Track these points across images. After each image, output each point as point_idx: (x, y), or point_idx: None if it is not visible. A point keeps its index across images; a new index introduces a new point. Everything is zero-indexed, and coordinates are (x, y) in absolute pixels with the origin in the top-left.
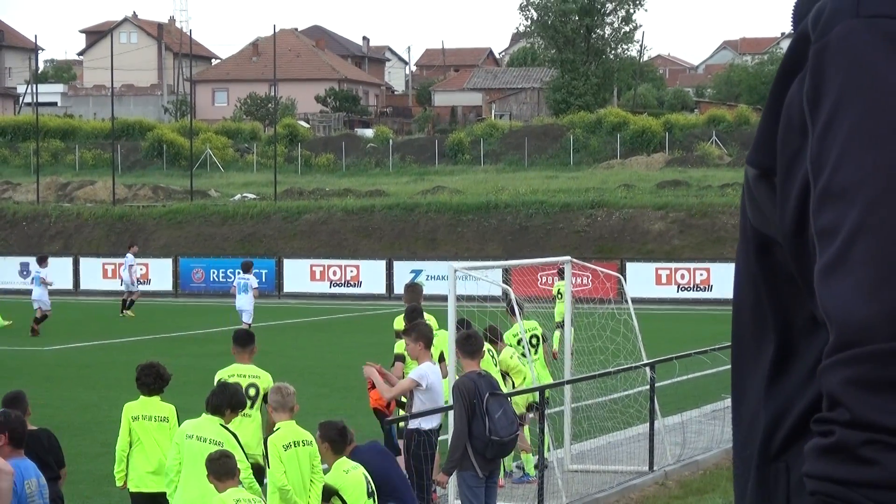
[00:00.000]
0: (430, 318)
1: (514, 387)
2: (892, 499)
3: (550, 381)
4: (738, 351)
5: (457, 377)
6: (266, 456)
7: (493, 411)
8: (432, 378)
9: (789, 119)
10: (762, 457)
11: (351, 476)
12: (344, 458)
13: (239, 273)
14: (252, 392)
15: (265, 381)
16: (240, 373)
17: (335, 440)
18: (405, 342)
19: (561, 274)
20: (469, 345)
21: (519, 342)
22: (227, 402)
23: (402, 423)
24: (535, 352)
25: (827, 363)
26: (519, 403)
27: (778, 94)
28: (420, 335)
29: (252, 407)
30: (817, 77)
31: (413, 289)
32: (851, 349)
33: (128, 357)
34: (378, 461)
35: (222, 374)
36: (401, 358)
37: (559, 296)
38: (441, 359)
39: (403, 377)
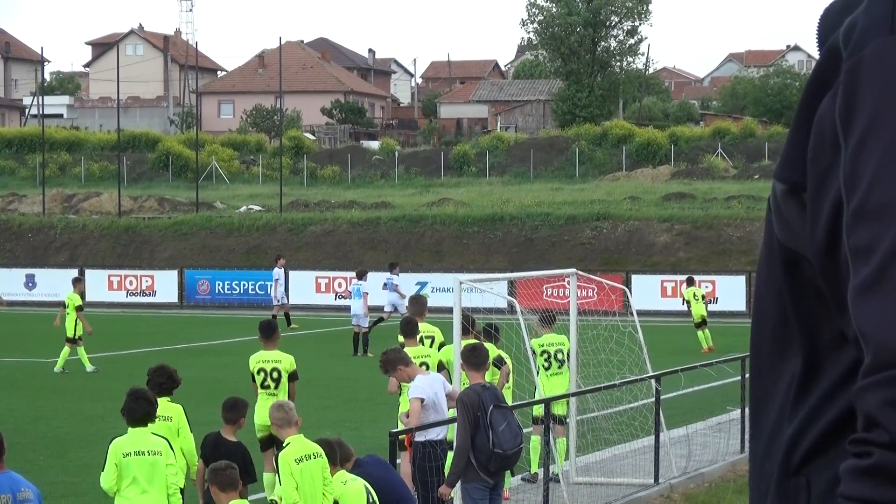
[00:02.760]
0: (433, 330)
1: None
2: None
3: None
4: (759, 364)
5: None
6: (277, 471)
7: (496, 424)
8: (427, 390)
9: (821, 135)
10: (783, 471)
11: (350, 487)
12: (342, 470)
13: (353, 279)
14: (275, 374)
15: (286, 363)
16: (265, 358)
17: (327, 455)
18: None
19: (690, 282)
20: (474, 357)
21: (542, 353)
22: (148, 410)
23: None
24: (560, 366)
25: (864, 384)
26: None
27: (807, 109)
28: (387, 364)
29: (277, 387)
30: (851, 93)
31: (417, 300)
32: (889, 370)
33: (132, 369)
34: (380, 471)
35: (253, 359)
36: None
37: (695, 299)
38: (441, 367)
39: (400, 389)
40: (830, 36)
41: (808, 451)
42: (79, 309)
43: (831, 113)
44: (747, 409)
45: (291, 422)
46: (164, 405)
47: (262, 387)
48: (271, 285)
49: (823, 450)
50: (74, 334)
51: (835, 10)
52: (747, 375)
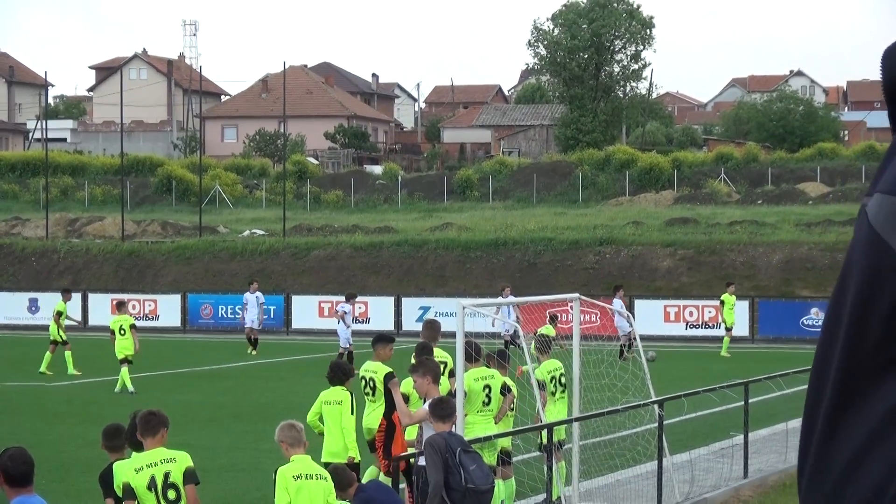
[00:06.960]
0: (445, 357)
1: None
2: None
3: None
4: (840, 389)
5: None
6: (274, 484)
7: (466, 464)
8: None
9: None
10: None
11: None
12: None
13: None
14: (372, 384)
15: (381, 374)
16: (367, 368)
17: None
18: (413, 378)
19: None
20: (441, 409)
21: (552, 380)
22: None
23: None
24: (563, 391)
25: None
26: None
27: None
28: (427, 370)
29: (374, 395)
30: None
31: (431, 325)
32: None
33: (135, 393)
34: (383, 496)
35: (362, 368)
36: (405, 398)
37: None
38: (451, 374)
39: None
40: None
41: None
42: (133, 328)
43: None
44: (750, 435)
45: (300, 442)
46: (338, 392)
47: (364, 393)
48: (253, 309)
49: None
50: (128, 354)
51: None
52: (751, 400)
